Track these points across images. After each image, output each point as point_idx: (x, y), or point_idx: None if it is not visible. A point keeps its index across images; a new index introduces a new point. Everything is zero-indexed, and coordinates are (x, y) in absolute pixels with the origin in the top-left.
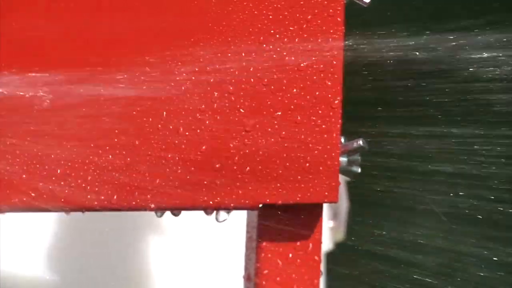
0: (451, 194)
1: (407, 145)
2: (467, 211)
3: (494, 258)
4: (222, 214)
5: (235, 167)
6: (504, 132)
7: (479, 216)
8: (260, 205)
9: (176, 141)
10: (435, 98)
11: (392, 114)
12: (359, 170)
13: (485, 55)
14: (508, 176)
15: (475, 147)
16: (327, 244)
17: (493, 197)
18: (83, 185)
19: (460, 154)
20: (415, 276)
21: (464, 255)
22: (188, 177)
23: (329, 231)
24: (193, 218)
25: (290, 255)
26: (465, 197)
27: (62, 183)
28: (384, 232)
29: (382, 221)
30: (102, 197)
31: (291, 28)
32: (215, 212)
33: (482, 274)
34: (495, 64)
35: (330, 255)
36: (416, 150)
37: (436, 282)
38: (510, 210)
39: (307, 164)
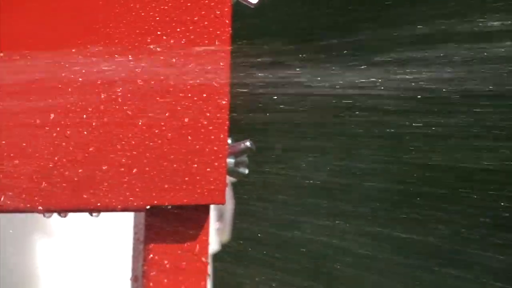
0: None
1: (287, 155)
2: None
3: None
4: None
5: (122, 169)
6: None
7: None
8: (147, 207)
9: (64, 143)
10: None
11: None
12: (247, 171)
13: None
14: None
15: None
16: (213, 246)
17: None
18: None
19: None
20: (292, 277)
21: (340, 254)
22: (75, 179)
23: (215, 233)
24: (80, 219)
25: (178, 256)
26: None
27: None
28: (266, 233)
29: (263, 221)
30: None
31: (178, 29)
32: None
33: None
34: None
35: (216, 256)
36: (293, 158)
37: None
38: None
39: (195, 166)
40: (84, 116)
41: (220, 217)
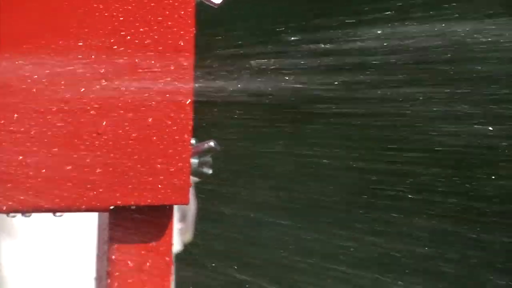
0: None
1: (249, 148)
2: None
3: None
4: None
5: (86, 169)
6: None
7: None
8: (111, 207)
9: (28, 144)
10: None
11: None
12: (210, 171)
13: None
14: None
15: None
16: (176, 246)
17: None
18: None
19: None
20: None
21: (312, 255)
22: (39, 179)
23: (178, 233)
24: (45, 219)
25: (142, 257)
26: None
27: None
28: (230, 233)
29: (228, 221)
30: None
31: (141, 29)
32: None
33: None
34: None
35: (178, 256)
36: (262, 152)
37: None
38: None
39: (158, 166)
40: (48, 116)
41: (183, 217)
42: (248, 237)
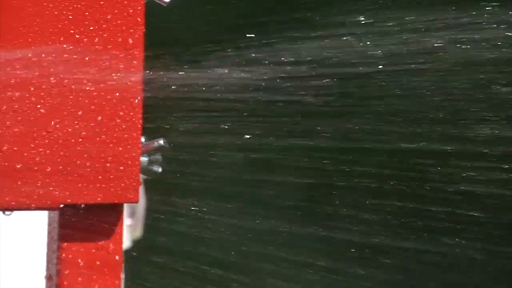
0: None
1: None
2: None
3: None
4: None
5: (36, 168)
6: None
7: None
8: (61, 205)
9: None
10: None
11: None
12: (160, 169)
13: None
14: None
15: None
16: (125, 242)
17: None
18: None
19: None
20: (211, 271)
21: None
22: None
23: (127, 229)
24: None
25: (92, 255)
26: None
27: None
28: (179, 229)
29: (178, 217)
30: None
31: (91, 28)
32: None
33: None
34: None
35: (127, 253)
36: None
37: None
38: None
39: (108, 164)
40: None
41: (132, 214)
42: (196, 234)
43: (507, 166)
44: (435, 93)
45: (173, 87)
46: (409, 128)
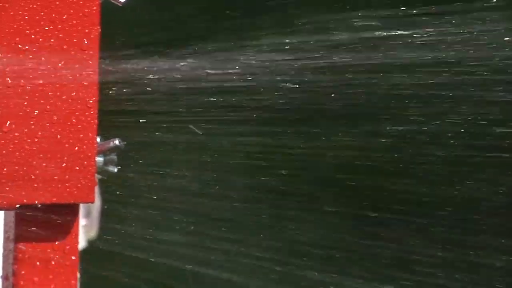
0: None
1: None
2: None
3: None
4: None
5: None
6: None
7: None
8: (17, 206)
9: None
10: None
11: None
12: (116, 169)
13: None
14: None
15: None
16: (81, 243)
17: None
18: None
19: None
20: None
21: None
22: None
23: (82, 230)
24: None
25: (48, 255)
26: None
27: None
28: (134, 231)
29: (132, 219)
30: None
31: (46, 28)
32: None
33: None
34: None
35: (83, 253)
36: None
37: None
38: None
39: (64, 164)
40: None
41: (88, 214)
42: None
43: None
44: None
45: (128, 85)
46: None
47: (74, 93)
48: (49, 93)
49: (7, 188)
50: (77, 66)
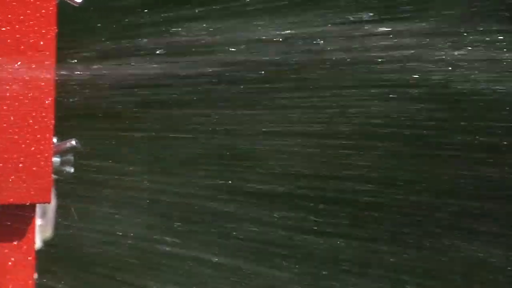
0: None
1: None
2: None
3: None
4: None
5: None
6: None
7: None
8: None
9: None
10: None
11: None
12: (72, 170)
13: None
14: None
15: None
16: (37, 243)
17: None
18: None
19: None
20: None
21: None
22: None
23: (38, 229)
24: None
25: (5, 255)
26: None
27: None
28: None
29: (90, 218)
30: None
31: (3, 28)
32: None
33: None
34: None
35: (39, 253)
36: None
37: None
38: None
39: (21, 165)
40: None
41: (43, 214)
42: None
43: None
44: None
45: (83, 86)
46: None
47: (31, 94)
48: (6, 94)
49: None
50: (33, 66)
